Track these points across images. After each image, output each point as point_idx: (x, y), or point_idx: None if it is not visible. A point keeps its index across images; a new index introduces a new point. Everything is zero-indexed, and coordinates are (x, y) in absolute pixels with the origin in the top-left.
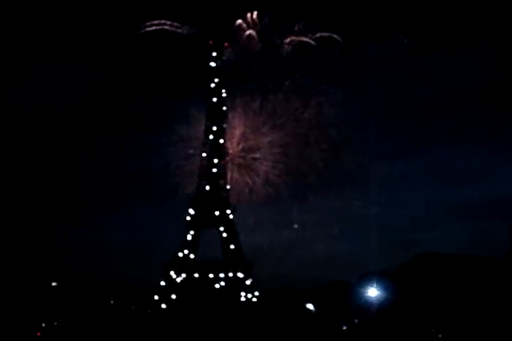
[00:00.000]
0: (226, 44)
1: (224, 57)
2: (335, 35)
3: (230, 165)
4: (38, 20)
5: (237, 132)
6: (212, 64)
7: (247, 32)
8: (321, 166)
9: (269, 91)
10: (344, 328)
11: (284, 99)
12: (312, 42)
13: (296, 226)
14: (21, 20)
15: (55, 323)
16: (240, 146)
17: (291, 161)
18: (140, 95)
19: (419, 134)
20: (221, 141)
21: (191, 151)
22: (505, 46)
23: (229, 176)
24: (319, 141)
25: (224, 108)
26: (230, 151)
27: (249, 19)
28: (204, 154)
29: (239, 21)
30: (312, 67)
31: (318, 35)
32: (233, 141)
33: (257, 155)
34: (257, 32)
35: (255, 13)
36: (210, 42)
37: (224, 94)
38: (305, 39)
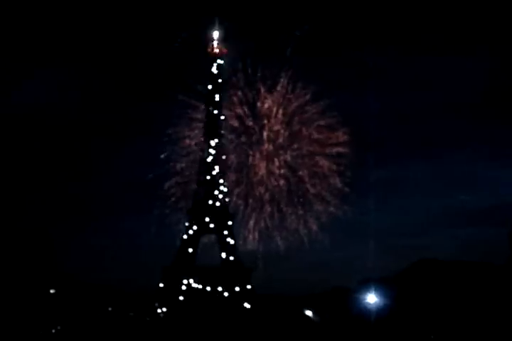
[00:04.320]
0: (225, 51)
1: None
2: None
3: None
4: (36, 25)
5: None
6: (214, 71)
7: None
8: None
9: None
10: (343, 335)
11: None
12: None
13: (296, 232)
14: (22, 24)
15: (53, 330)
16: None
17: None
18: (139, 99)
19: (418, 141)
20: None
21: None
22: (505, 52)
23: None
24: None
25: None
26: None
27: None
28: (202, 160)
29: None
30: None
31: None
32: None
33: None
34: None
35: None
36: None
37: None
38: None
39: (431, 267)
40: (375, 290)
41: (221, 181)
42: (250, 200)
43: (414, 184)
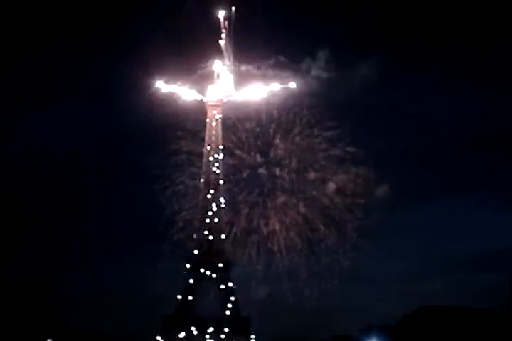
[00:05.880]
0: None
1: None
2: None
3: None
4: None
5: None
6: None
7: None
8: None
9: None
10: None
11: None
12: None
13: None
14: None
15: None
16: None
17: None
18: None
19: (417, 185)
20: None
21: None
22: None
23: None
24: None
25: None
26: None
27: None
28: (202, 207)
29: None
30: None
31: None
32: None
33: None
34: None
35: None
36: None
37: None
38: None
39: (432, 314)
40: (377, 337)
41: (225, 231)
42: (261, 250)
43: (415, 230)
